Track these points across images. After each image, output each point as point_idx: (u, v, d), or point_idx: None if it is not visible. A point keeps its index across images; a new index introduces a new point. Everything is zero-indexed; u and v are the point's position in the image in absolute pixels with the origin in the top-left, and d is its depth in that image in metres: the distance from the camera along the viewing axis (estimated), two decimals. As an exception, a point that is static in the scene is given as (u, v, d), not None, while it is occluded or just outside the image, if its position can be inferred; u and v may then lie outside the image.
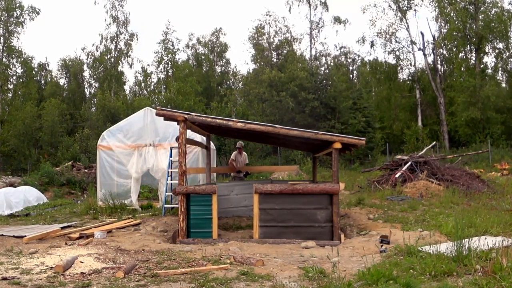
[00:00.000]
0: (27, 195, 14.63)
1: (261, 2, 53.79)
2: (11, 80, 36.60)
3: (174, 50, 36.89)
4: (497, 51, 33.58)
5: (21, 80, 37.17)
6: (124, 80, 40.24)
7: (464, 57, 33.94)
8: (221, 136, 21.99)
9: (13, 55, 35.61)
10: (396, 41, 36.76)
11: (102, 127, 26.63)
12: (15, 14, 35.02)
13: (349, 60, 41.54)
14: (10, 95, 36.78)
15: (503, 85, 36.14)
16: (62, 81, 44.06)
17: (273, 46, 39.63)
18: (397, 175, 14.59)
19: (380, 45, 38.33)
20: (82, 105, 36.12)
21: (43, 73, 43.50)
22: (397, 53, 37.05)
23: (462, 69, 32.87)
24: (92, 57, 38.27)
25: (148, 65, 38.62)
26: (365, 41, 38.14)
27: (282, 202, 8.12)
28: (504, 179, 16.70)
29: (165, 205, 11.22)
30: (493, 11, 31.74)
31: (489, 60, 35.06)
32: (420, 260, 5.43)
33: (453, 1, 32.23)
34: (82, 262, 5.94)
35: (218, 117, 8.80)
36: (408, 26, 35.96)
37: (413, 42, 35.95)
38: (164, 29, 47.96)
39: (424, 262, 5.27)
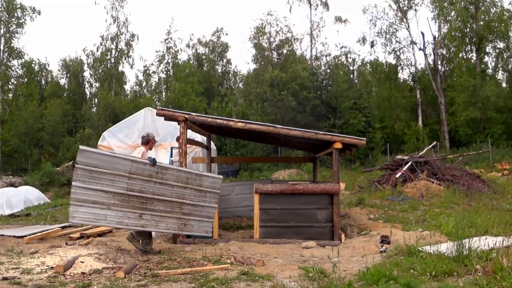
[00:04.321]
0: (27, 195, 14.65)
1: (262, 2, 53.77)
2: (12, 80, 36.61)
3: (176, 49, 36.91)
4: (497, 51, 33.55)
5: (21, 80, 37.18)
6: (124, 80, 40.24)
7: (465, 57, 33.92)
8: (222, 136, 21.99)
9: (14, 56, 35.61)
10: (396, 41, 36.77)
11: (104, 126, 26.63)
12: (16, 15, 35.03)
13: (350, 60, 41.54)
14: (10, 95, 36.77)
15: (504, 85, 36.09)
16: (62, 81, 44.11)
17: (274, 46, 39.63)
18: (397, 175, 14.59)
19: (381, 45, 38.28)
20: (83, 105, 36.12)
21: (43, 73, 43.49)
22: (398, 53, 37.05)
23: (463, 69, 32.83)
24: (93, 57, 38.28)
25: (149, 65, 38.45)
26: (365, 41, 38.09)
27: (282, 202, 8.13)
28: (504, 179, 16.69)
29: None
30: (493, 11, 31.71)
31: (490, 60, 34.90)
32: (420, 260, 5.43)
33: (454, 1, 32.20)
34: (83, 262, 5.95)
35: (218, 117, 8.79)
36: (408, 26, 35.95)
37: (413, 42, 35.95)
38: (167, 27, 48.11)
39: (425, 262, 5.27)
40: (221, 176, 7.81)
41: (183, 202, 7.14)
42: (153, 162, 6.88)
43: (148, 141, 7.60)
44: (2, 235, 8.76)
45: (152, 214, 6.87)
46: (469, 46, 32.73)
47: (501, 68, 35.44)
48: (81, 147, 6.61)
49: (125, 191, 6.68)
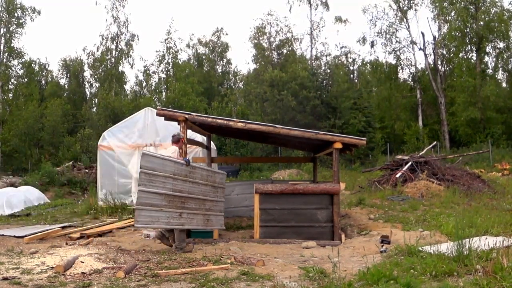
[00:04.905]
0: (27, 195, 14.65)
1: (262, 2, 53.73)
2: (12, 80, 36.62)
3: (176, 49, 36.91)
4: (497, 51, 33.52)
5: (21, 80, 37.18)
6: (125, 80, 40.24)
7: (465, 57, 33.90)
8: (222, 136, 22.00)
9: (14, 56, 35.63)
10: (396, 41, 36.74)
11: (104, 126, 26.63)
12: (16, 15, 35.04)
13: (350, 60, 41.53)
14: (11, 95, 36.78)
15: (504, 85, 36.07)
16: (62, 81, 44.05)
17: (274, 46, 39.62)
18: (397, 175, 14.59)
19: (381, 45, 38.25)
20: (83, 105, 36.11)
21: (43, 73, 43.44)
22: (398, 53, 37.03)
23: (463, 69, 32.81)
24: (93, 57, 38.25)
25: (149, 65, 38.44)
26: (365, 41, 38.07)
27: (282, 202, 8.12)
28: (504, 179, 16.70)
29: (166, 205, 11.20)
30: (493, 11, 31.69)
31: (490, 60, 34.86)
32: (420, 260, 5.43)
33: (454, 0, 32.18)
34: (83, 262, 5.94)
35: (218, 117, 8.78)
36: (408, 26, 35.92)
37: (413, 42, 35.93)
38: (167, 27, 48.14)
39: (425, 262, 5.27)
40: (225, 172, 8.39)
41: (205, 199, 7.61)
42: (187, 162, 7.26)
43: (179, 140, 7.71)
44: (2, 235, 8.77)
45: (188, 212, 7.24)
46: (469, 46, 32.71)
47: (501, 68, 35.44)
48: (144, 151, 7.05)
49: (171, 192, 6.98)
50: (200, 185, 7.47)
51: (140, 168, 6.74)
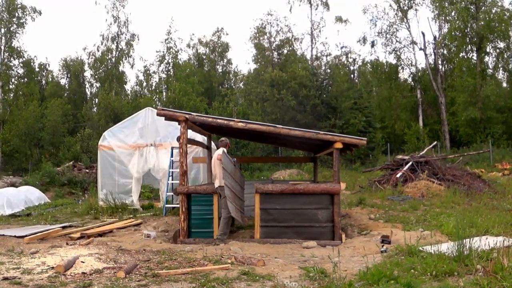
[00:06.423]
0: (28, 195, 14.65)
1: (263, 2, 53.70)
2: (13, 80, 36.62)
3: (176, 49, 36.89)
4: (498, 50, 33.47)
5: (22, 80, 37.19)
6: (125, 80, 40.22)
7: (465, 56, 33.85)
8: (222, 136, 21.96)
9: (15, 56, 35.63)
10: (397, 41, 36.70)
11: (104, 126, 26.63)
12: (16, 15, 35.06)
13: (350, 60, 41.51)
14: (11, 95, 36.78)
15: (504, 84, 36.03)
16: (63, 81, 44.02)
17: (274, 45, 39.61)
18: (398, 175, 14.58)
19: (381, 45, 38.21)
20: (84, 105, 36.10)
21: (44, 73, 43.41)
22: (398, 53, 36.98)
23: (463, 69, 32.77)
24: (93, 57, 38.22)
25: (149, 65, 38.40)
26: (366, 41, 38.03)
27: (283, 202, 8.13)
28: (505, 179, 16.68)
29: (166, 205, 11.24)
30: (494, 11, 31.65)
31: (490, 59, 34.78)
32: (421, 260, 5.43)
33: (454, 0, 32.16)
34: (83, 262, 5.95)
35: (219, 117, 8.81)
36: (409, 26, 35.88)
37: (414, 42, 35.89)
38: (167, 27, 48.07)
39: (425, 262, 5.27)
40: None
41: (240, 197, 8.58)
42: (235, 162, 8.34)
43: (226, 144, 8.65)
44: (3, 235, 8.78)
45: (236, 207, 8.11)
46: (469, 46, 32.65)
47: (501, 68, 35.35)
48: (225, 150, 8.13)
49: (231, 187, 7.96)
50: (238, 184, 8.48)
51: (223, 164, 7.76)
